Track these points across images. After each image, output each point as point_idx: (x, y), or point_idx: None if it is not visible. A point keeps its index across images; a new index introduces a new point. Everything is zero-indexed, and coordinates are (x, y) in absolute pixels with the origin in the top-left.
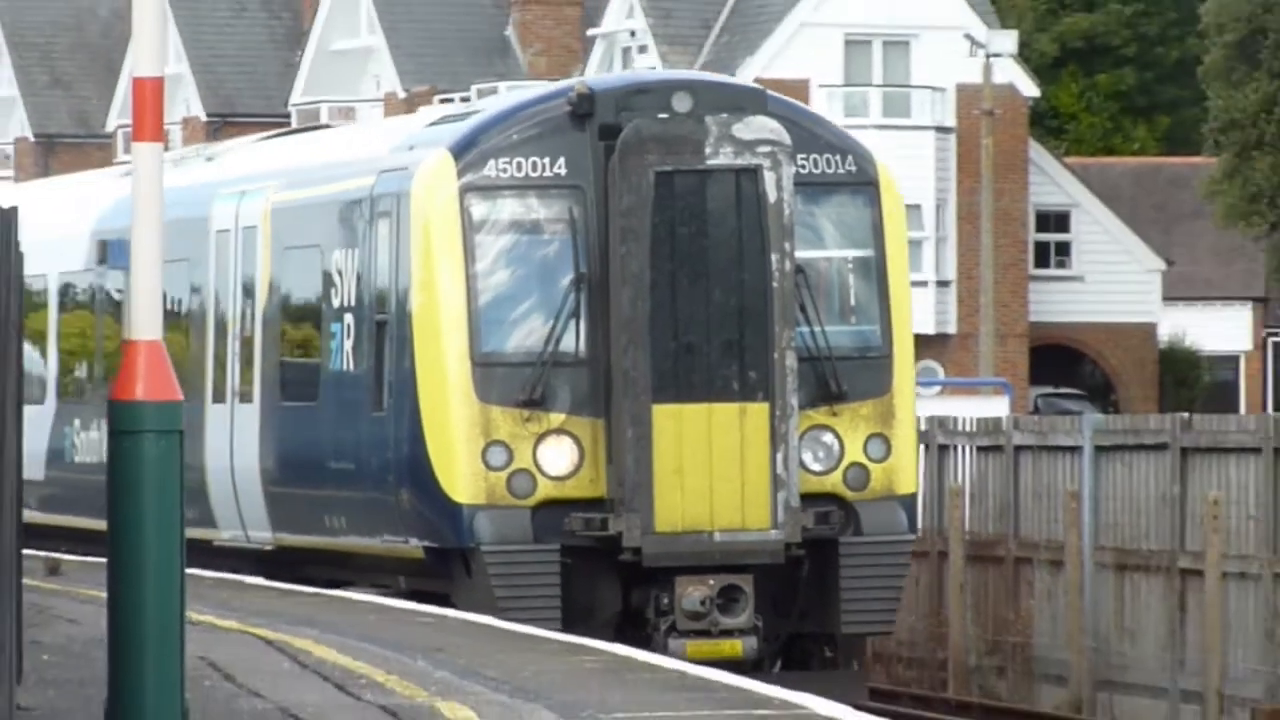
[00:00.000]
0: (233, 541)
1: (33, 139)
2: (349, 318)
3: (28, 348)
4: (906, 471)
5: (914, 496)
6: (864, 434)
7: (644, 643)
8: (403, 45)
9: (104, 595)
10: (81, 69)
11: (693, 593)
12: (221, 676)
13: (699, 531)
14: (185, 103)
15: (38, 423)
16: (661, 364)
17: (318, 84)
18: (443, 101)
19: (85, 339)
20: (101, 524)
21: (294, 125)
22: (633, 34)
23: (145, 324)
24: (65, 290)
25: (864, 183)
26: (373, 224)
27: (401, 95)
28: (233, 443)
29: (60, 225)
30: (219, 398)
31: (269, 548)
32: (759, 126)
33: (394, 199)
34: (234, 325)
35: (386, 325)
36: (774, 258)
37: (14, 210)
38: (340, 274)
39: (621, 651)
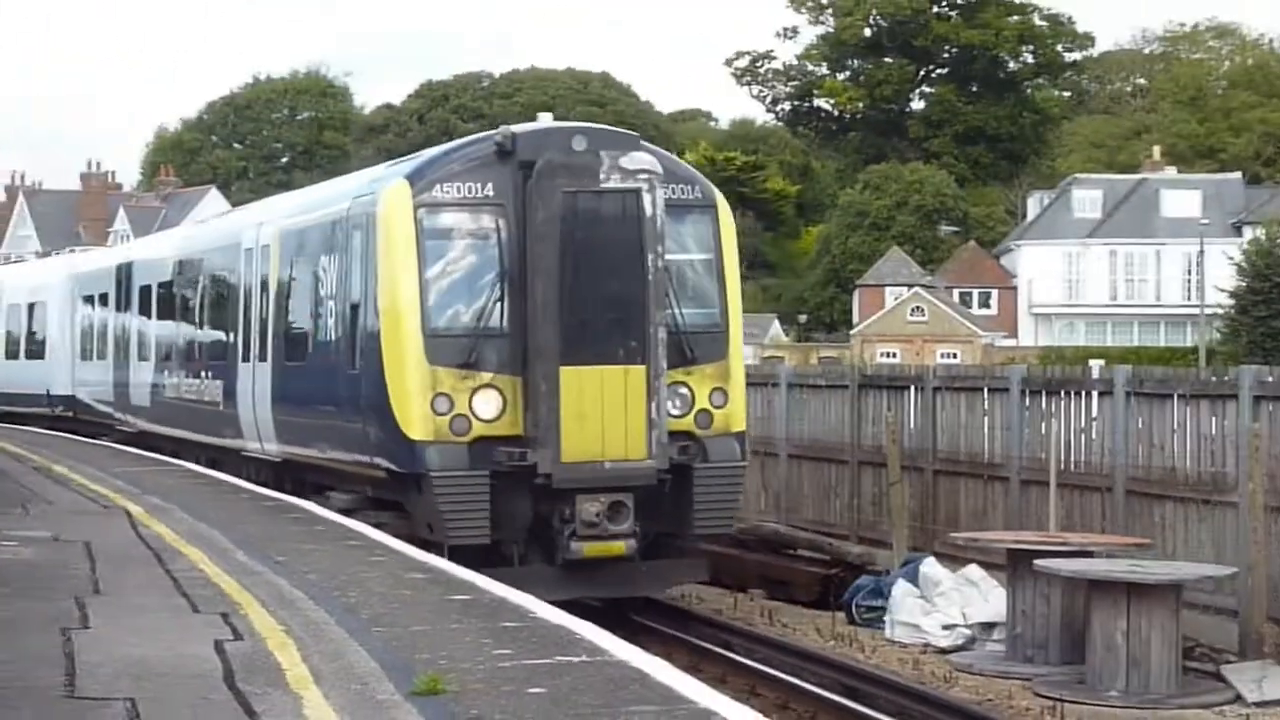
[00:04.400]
0: (254, 452)
1: None
2: (331, 303)
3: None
4: (738, 415)
5: (743, 434)
6: (709, 388)
7: (549, 544)
8: None
9: None
10: None
11: (589, 508)
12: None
13: (594, 461)
14: None
15: (144, 375)
16: (566, 336)
17: None
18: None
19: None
20: (175, 430)
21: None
22: None
23: None
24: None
25: (707, 205)
26: (349, 236)
27: None
28: (254, 387)
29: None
30: (246, 359)
31: (277, 459)
32: (639, 160)
33: (364, 216)
34: (255, 311)
35: (359, 307)
36: (649, 257)
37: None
38: (325, 273)
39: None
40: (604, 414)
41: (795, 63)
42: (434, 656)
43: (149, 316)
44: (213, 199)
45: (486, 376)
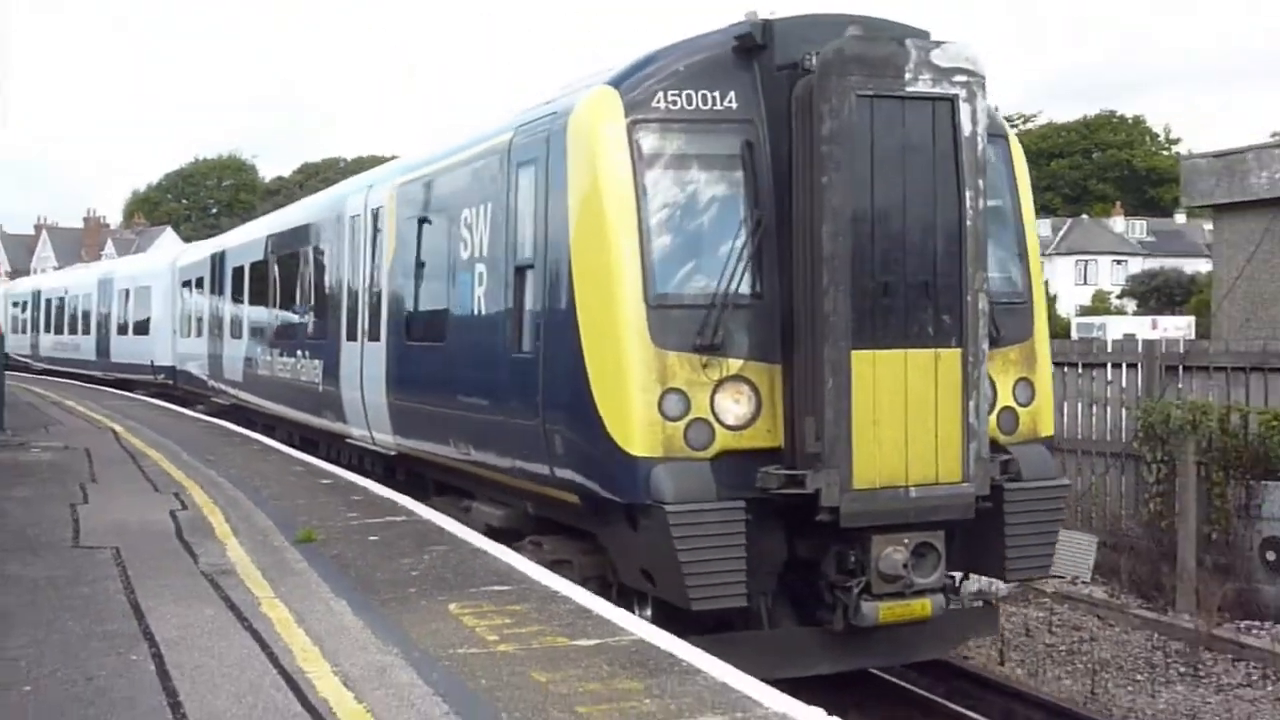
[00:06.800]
0: (361, 440)
1: None
2: (480, 267)
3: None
4: (1046, 414)
5: (1051, 440)
6: (1013, 378)
7: (817, 597)
8: None
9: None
10: None
11: (892, 555)
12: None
13: (895, 487)
14: None
15: (236, 349)
16: (860, 306)
17: None
18: None
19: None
20: (267, 403)
21: None
22: None
23: None
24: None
25: (996, 135)
26: (510, 176)
27: None
28: (362, 370)
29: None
30: (351, 338)
31: (390, 452)
32: (955, 55)
33: (543, 144)
34: (363, 283)
35: (528, 270)
36: (968, 194)
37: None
38: (469, 230)
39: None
40: (907, 418)
41: None
42: (309, 519)
43: (240, 296)
44: (168, 235)
45: (735, 365)
